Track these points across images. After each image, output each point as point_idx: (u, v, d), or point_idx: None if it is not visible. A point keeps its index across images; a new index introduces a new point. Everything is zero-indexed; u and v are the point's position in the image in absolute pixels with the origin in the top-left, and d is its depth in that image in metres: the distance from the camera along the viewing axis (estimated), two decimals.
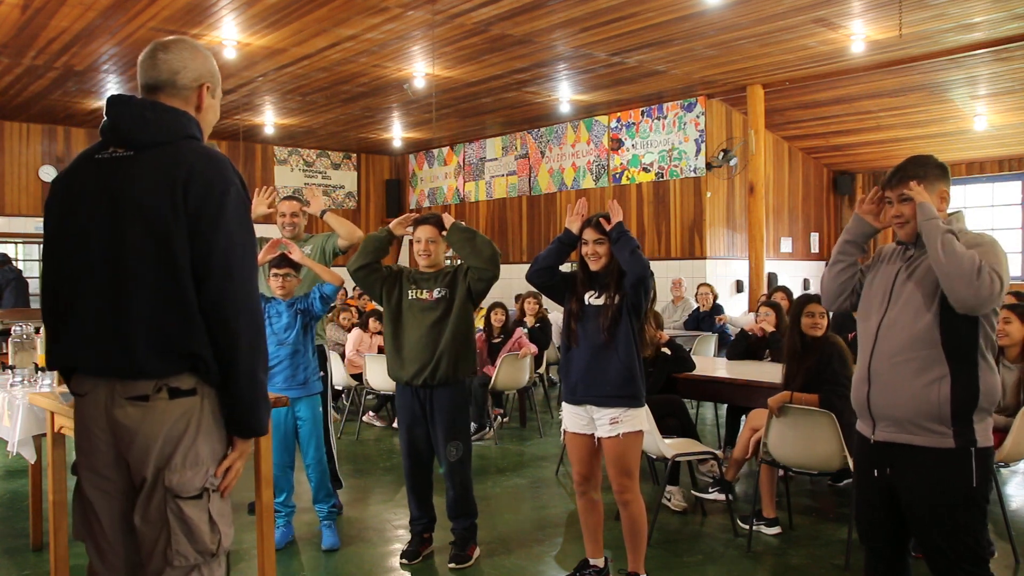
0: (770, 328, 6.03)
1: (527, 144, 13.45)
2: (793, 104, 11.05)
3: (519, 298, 9.25)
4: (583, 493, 3.71)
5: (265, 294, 4.42)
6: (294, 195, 5.37)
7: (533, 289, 5.26)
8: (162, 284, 1.98)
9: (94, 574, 2.14)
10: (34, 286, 12.31)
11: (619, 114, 12.01)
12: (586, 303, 3.61)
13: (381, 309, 4.27)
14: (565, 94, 10.88)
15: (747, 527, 4.41)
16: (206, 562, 2.05)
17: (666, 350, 5.27)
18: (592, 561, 3.78)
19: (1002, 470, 5.71)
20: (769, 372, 5.36)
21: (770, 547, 4.38)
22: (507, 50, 8.76)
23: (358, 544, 4.43)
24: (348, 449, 6.70)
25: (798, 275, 12.42)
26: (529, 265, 3.77)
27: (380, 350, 7.61)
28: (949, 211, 2.66)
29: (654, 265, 3.68)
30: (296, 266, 4.33)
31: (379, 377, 7.01)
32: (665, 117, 11.47)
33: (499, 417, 7.61)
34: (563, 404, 3.72)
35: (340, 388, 7.54)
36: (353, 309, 9.35)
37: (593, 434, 3.60)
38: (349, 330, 8.35)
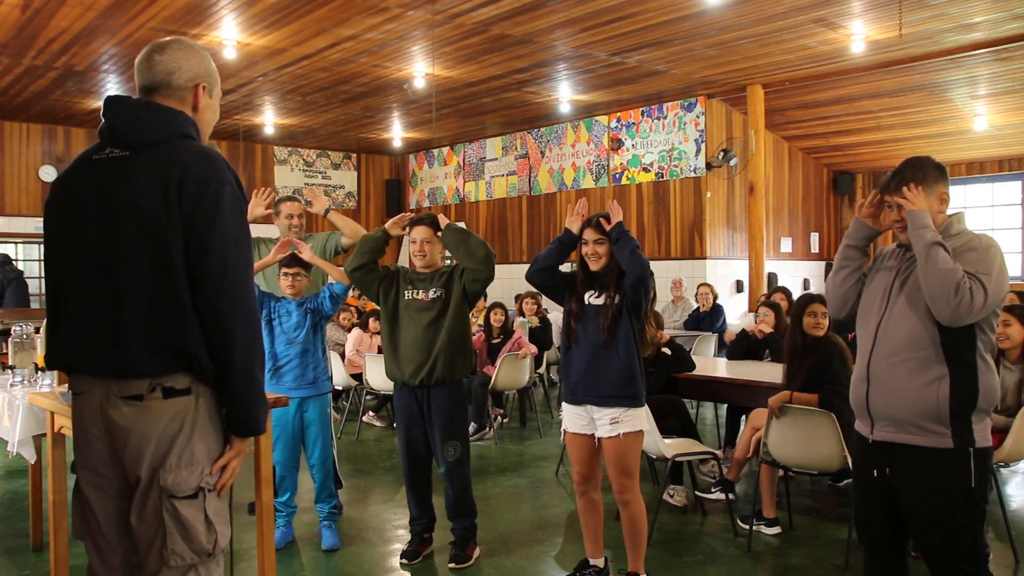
0: (768, 329, 6.03)
1: (527, 144, 13.45)
2: (793, 104, 11.05)
3: (519, 298, 9.26)
4: (583, 493, 3.71)
5: (275, 293, 4.43)
6: (295, 195, 5.37)
7: (532, 289, 5.27)
8: (157, 284, 1.98)
9: (94, 573, 2.15)
10: (35, 286, 12.34)
11: (619, 114, 12.01)
12: (586, 303, 3.61)
13: None
14: (565, 94, 10.88)
15: (747, 527, 4.41)
16: (203, 562, 2.05)
17: (666, 350, 5.27)
18: (592, 561, 3.78)
19: (1002, 470, 5.71)
20: (769, 372, 5.36)
21: (770, 547, 4.38)
22: (507, 50, 8.76)
23: (358, 544, 4.43)
24: (348, 449, 6.70)
25: (798, 275, 12.42)
26: (529, 265, 3.77)
27: (380, 350, 7.60)
28: (949, 212, 2.66)
29: (654, 265, 3.68)
30: (306, 266, 4.34)
31: (379, 377, 7.01)
32: (665, 117, 11.47)
33: (499, 417, 7.61)
34: (563, 404, 3.72)
35: (340, 388, 7.54)
36: (353, 309, 9.35)
37: (593, 434, 3.60)
38: (349, 330, 8.35)
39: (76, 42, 8.22)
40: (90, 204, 2.04)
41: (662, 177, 11.52)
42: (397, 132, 13.50)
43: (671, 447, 4.51)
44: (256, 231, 4.77)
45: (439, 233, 4.04)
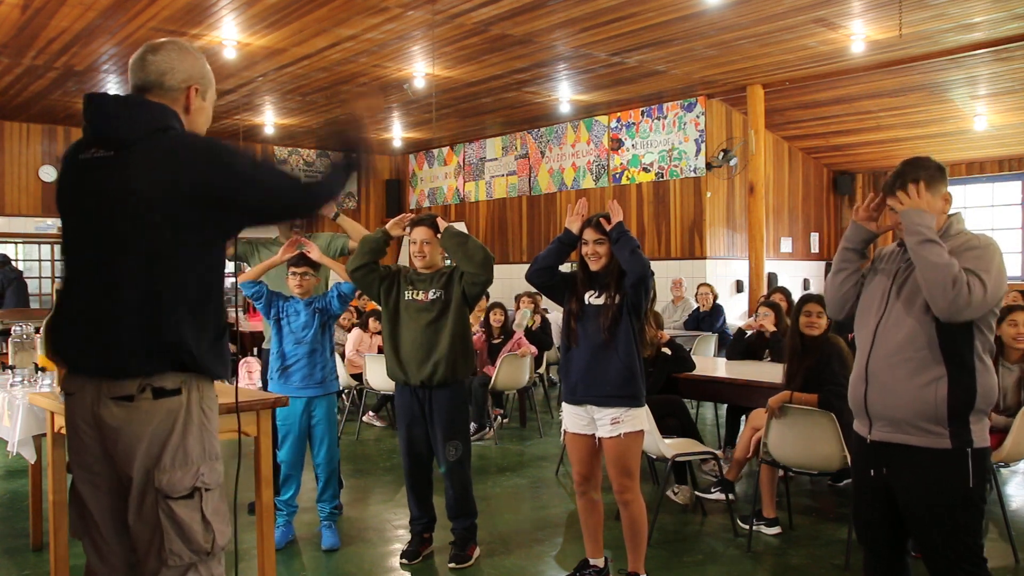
0: (771, 327, 6.03)
1: (527, 144, 13.45)
2: (793, 104, 11.05)
3: (518, 298, 9.26)
4: (583, 493, 3.71)
5: (284, 292, 4.43)
6: None
7: (531, 289, 5.25)
8: (149, 280, 1.99)
9: (92, 572, 2.15)
10: (34, 286, 12.34)
11: (619, 114, 12.01)
12: (586, 303, 3.61)
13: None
14: (565, 94, 10.88)
15: (747, 527, 4.41)
16: (203, 560, 2.05)
17: (666, 350, 5.27)
18: (592, 561, 3.78)
19: (1002, 470, 5.71)
20: (769, 372, 5.36)
21: (770, 547, 4.38)
22: (507, 50, 8.75)
23: (358, 544, 4.43)
24: (348, 449, 6.70)
25: (798, 275, 12.42)
26: (529, 265, 3.77)
27: (380, 350, 7.60)
28: (949, 213, 2.65)
29: (654, 265, 3.68)
30: (314, 265, 4.35)
31: (379, 377, 7.01)
32: (665, 117, 11.47)
33: (499, 417, 7.61)
34: (563, 404, 3.72)
35: (340, 388, 7.53)
36: (353, 309, 9.35)
37: (593, 434, 3.60)
38: (349, 330, 8.35)
39: (76, 42, 8.22)
40: (86, 205, 2.04)
41: (662, 177, 11.52)
42: (397, 132, 13.50)
43: (671, 447, 4.51)
44: (256, 231, 4.80)
45: (439, 235, 4.04)
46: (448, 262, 4.24)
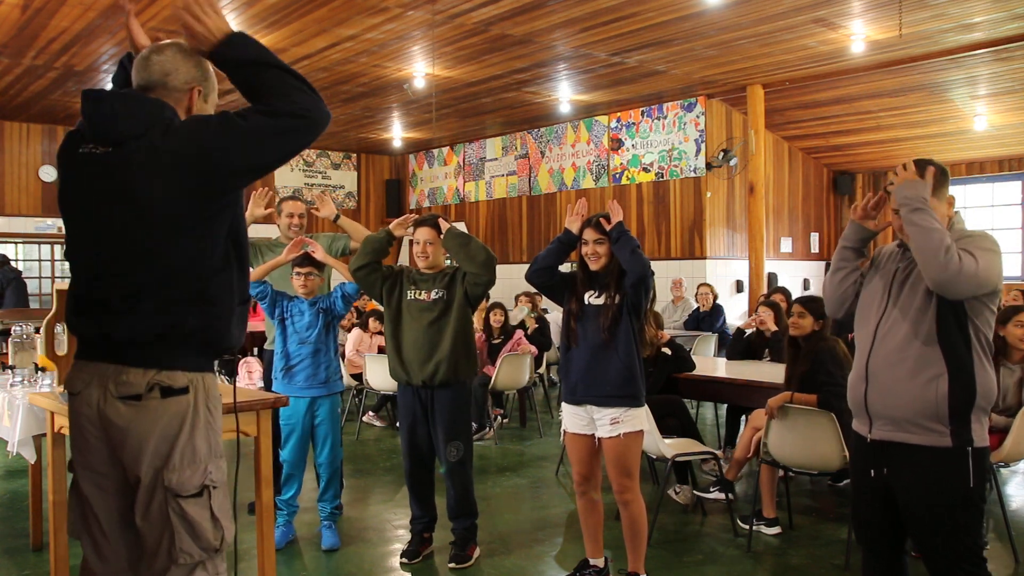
0: (772, 326, 6.03)
1: (527, 144, 13.45)
2: (793, 104, 11.05)
3: (518, 298, 9.27)
4: (583, 493, 3.71)
5: (288, 292, 4.44)
6: (296, 195, 5.38)
7: (530, 289, 5.27)
8: (171, 273, 2.01)
9: (90, 571, 2.14)
10: (34, 286, 12.34)
11: (619, 114, 12.01)
12: (586, 303, 3.61)
13: (381, 309, 4.28)
14: (565, 94, 10.88)
15: (747, 527, 4.41)
16: (210, 557, 2.06)
17: (666, 350, 5.27)
18: (592, 561, 3.78)
19: (1002, 470, 5.71)
20: (769, 372, 5.36)
21: (770, 547, 4.38)
22: (507, 50, 8.76)
23: (358, 544, 4.43)
24: (348, 449, 6.69)
25: (798, 275, 12.42)
26: (529, 265, 3.77)
27: (380, 350, 7.61)
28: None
29: (654, 265, 3.68)
30: (319, 265, 4.35)
31: (379, 377, 7.01)
32: (665, 117, 11.47)
33: (499, 417, 7.61)
34: (563, 404, 3.72)
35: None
36: (353, 309, 9.35)
37: (593, 434, 3.60)
38: (349, 330, 8.35)
39: (76, 42, 8.22)
40: (91, 202, 2.05)
41: (662, 177, 11.52)
42: (397, 132, 13.50)
43: (671, 447, 4.51)
44: (256, 232, 4.81)
45: (441, 235, 4.04)
46: (449, 262, 4.24)
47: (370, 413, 7.85)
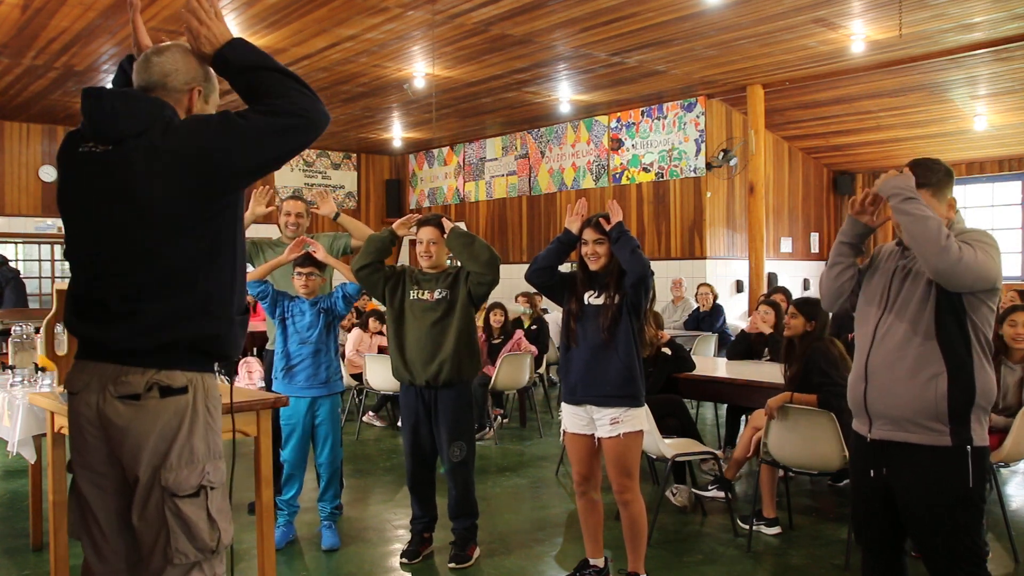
0: (768, 329, 6.03)
1: (527, 144, 13.45)
2: (793, 104, 11.05)
3: (517, 299, 9.27)
4: (583, 493, 3.71)
5: (289, 292, 4.44)
6: (297, 195, 5.38)
7: (528, 289, 5.26)
8: (172, 275, 2.01)
9: (90, 571, 2.15)
10: (34, 286, 12.33)
11: (619, 114, 12.01)
12: (586, 303, 3.61)
13: (381, 309, 4.29)
14: (565, 94, 10.88)
15: (747, 527, 4.41)
16: (207, 559, 2.06)
17: (666, 350, 5.27)
18: (592, 561, 3.78)
19: (1002, 470, 5.71)
20: (769, 372, 5.36)
21: (770, 547, 4.38)
22: (507, 50, 8.76)
23: (358, 544, 4.43)
24: (348, 449, 6.69)
25: (798, 275, 12.42)
26: (528, 265, 3.77)
27: (380, 350, 7.61)
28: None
29: (654, 265, 3.68)
30: (320, 265, 4.35)
31: (379, 377, 7.01)
32: (665, 117, 11.47)
33: (499, 417, 7.61)
34: (563, 404, 3.72)
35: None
36: (353, 309, 9.34)
37: (593, 434, 3.60)
38: (349, 330, 8.35)
39: (76, 42, 8.22)
40: (91, 201, 2.05)
41: (662, 177, 11.52)
42: (397, 132, 13.50)
43: (671, 447, 4.51)
44: (257, 232, 4.81)
45: (445, 235, 4.04)
46: (449, 262, 4.24)
47: (370, 413, 7.85)
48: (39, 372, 4.24)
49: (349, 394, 7.96)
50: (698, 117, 11.07)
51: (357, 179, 15.56)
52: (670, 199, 11.46)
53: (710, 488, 5.12)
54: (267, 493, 3.39)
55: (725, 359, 6.54)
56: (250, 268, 4.64)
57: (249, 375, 6.38)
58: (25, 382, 4.15)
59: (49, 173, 12.36)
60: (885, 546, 2.73)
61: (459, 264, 4.09)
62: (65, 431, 3.33)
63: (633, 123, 11.86)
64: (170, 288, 2.02)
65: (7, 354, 4.76)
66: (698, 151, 11.08)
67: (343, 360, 7.57)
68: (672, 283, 10.52)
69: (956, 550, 2.52)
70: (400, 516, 4.86)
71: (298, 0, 7.17)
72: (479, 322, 7.63)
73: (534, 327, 8.15)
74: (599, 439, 3.58)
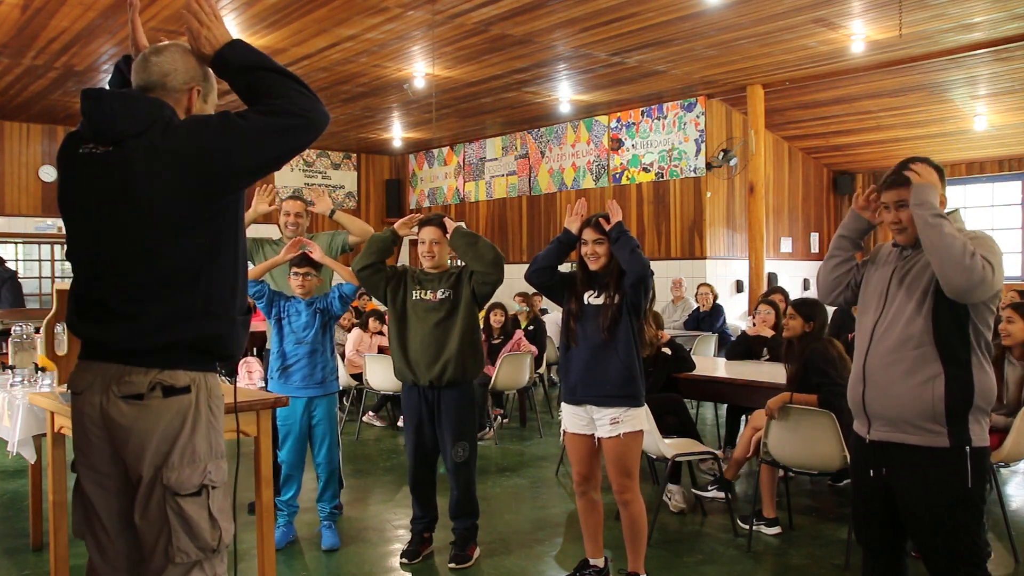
0: (768, 332, 6.04)
1: (527, 144, 13.45)
2: (793, 104, 11.05)
3: (515, 298, 9.28)
4: (583, 493, 3.71)
5: (285, 292, 4.44)
6: (296, 194, 5.38)
7: (525, 290, 5.26)
8: (174, 276, 2.02)
9: (94, 571, 2.15)
10: (34, 286, 12.34)
11: (619, 114, 12.01)
12: (585, 303, 3.61)
13: (381, 309, 4.29)
14: (565, 94, 10.88)
15: (747, 527, 4.41)
16: (208, 558, 2.06)
17: (666, 350, 5.27)
18: (592, 561, 3.78)
19: (1002, 470, 5.71)
20: (769, 372, 5.36)
21: (770, 547, 4.38)
22: (507, 50, 8.76)
23: (358, 544, 4.43)
24: (348, 449, 6.70)
25: (798, 275, 12.42)
26: (528, 265, 3.77)
27: (380, 350, 7.61)
28: (946, 211, 2.66)
29: (654, 265, 3.68)
30: (316, 265, 4.35)
31: (379, 377, 7.01)
32: (665, 117, 11.47)
33: (499, 417, 7.61)
34: (562, 404, 3.72)
35: (341, 388, 7.53)
36: (353, 309, 9.34)
37: (593, 434, 3.60)
38: (349, 330, 8.35)
39: (76, 42, 8.22)
40: (92, 202, 2.05)
41: (662, 177, 11.52)
42: (397, 132, 13.50)
43: (671, 447, 4.51)
44: (257, 231, 4.81)
45: (447, 235, 4.03)
46: (451, 262, 4.24)
47: (370, 413, 7.85)
48: (39, 372, 4.24)
49: (349, 394, 7.96)
50: (698, 117, 11.07)
51: (357, 179, 15.56)
52: (670, 199, 11.46)
53: (710, 488, 5.12)
54: (267, 493, 3.39)
55: (725, 359, 6.54)
56: (250, 266, 4.64)
57: (249, 375, 6.37)
58: (25, 382, 4.15)
59: (49, 173, 12.36)
60: (885, 546, 2.73)
61: (461, 264, 4.09)
62: (65, 431, 3.33)
63: (633, 123, 11.86)
64: (171, 288, 2.02)
65: (7, 354, 4.77)
66: (698, 151, 11.08)
67: (343, 360, 7.58)
68: (672, 283, 10.52)
69: (956, 550, 2.52)
70: (400, 516, 4.86)
71: (298, 0, 7.17)
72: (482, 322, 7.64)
73: (531, 327, 8.15)
74: (599, 439, 3.58)
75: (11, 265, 11.02)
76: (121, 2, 7.08)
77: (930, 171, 2.56)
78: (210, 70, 2.16)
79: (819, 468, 4.34)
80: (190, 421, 2.04)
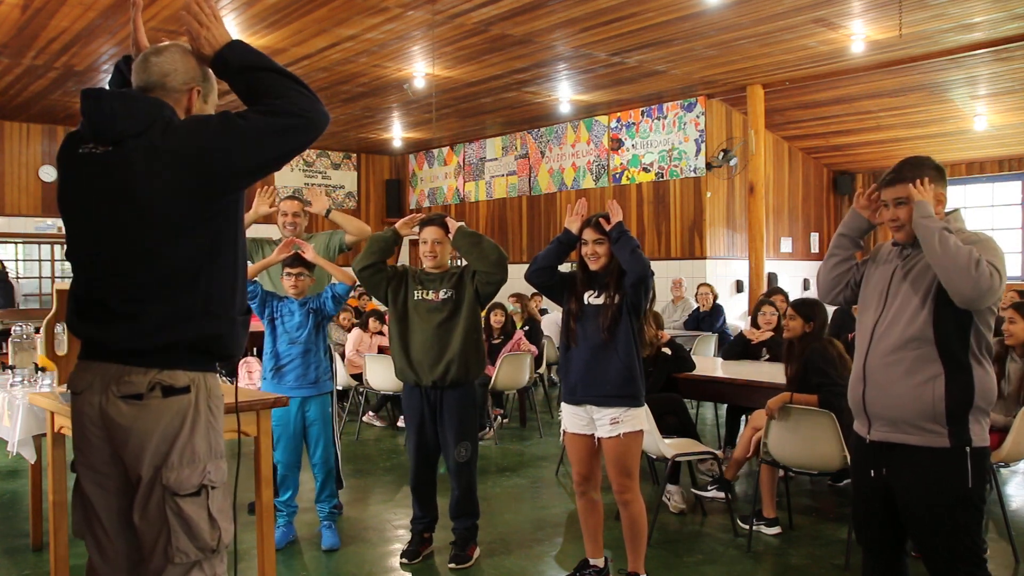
0: (768, 334, 6.04)
1: (527, 144, 13.45)
2: (793, 104, 11.05)
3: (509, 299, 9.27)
4: (583, 493, 3.71)
5: (278, 293, 4.44)
6: (295, 195, 5.38)
7: (520, 290, 5.24)
8: (174, 276, 2.02)
9: (94, 571, 2.15)
10: (33, 286, 12.34)
11: (619, 114, 12.01)
12: (586, 303, 3.61)
13: (381, 309, 4.29)
14: (565, 94, 10.88)
15: (747, 527, 4.41)
16: (207, 558, 2.06)
17: (666, 350, 5.27)
18: (592, 561, 3.78)
19: (1002, 470, 5.71)
20: (768, 372, 5.36)
21: (770, 547, 4.38)
22: (507, 50, 8.76)
23: (358, 544, 4.43)
24: (348, 449, 6.70)
25: (798, 275, 12.42)
26: (528, 265, 3.77)
27: (380, 350, 7.61)
28: (946, 211, 2.66)
29: (654, 265, 3.68)
30: (309, 266, 4.35)
31: (379, 377, 7.01)
32: (665, 117, 11.47)
33: (499, 417, 7.61)
34: (562, 404, 3.72)
35: (340, 388, 7.54)
36: (352, 309, 9.35)
37: (593, 434, 3.60)
38: (349, 330, 8.35)
39: (76, 42, 8.22)
40: (92, 202, 2.05)
41: (662, 177, 11.52)
42: (397, 132, 13.50)
43: (671, 447, 4.51)
44: (258, 231, 4.81)
45: (449, 234, 4.03)
46: (452, 262, 4.24)
47: (370, 413, 7.85)
48: (39, 372, 4.24)
49: (349, 394, 7.96)
50: (698, 117, 11.08)
51: (357, 179, 15.56)
52: (670, 199, 11.46)
53: (710, 488, 5.12)
54: (267, 493, 3.39)
55: (721, 359, 6.54)
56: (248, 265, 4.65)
57: (249, 375, 6.37)
58: (25, 382, 4.15)
59: (49, 173, 12.36)
60: (885, 546, 2.73)
61: (462, 263, 4.09)
62: (65, 431, 3.33)
63: (633, 123, 11.86)
64: (171, 288, 2.02)
65: (7, 354, 4.77)
66: (698, 151, 11.08)
67: (343, 360, 7.58)
68: (672, 283, 10.52)
69: (956, 550, 2.52)
70: (400, 516, 4.86)
71: (298, 0, 7.17)
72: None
73: (526, 328, 8.15)
74: (599, 439, 3.58)
75: (11, 265, 11.03)
76: (121, 2, 7.08)
77: (926, 189, 2.57)
78: (210, 70, 2.16)
79: (819, 468, 4.34)
80: (189, 421, 2.04)
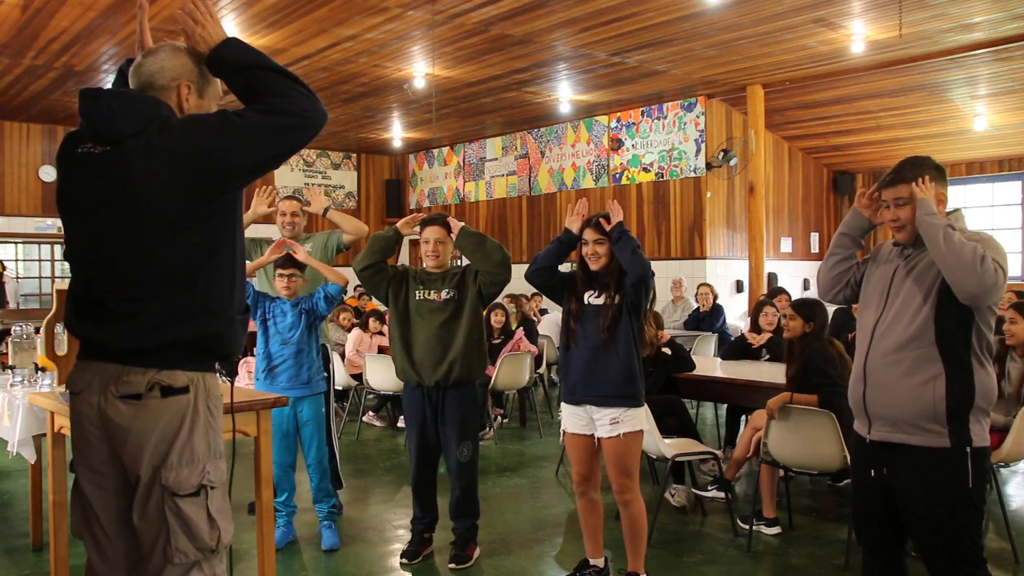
0: (768, 336, 6.04)
1: (527, 144, 13.45)
2: (793, 104, 11.05)
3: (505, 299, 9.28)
4: (583, 493, 3.71)
5: (270, 293, 4.44)
6: (294, 195, 5.38)
7: (519, 291, 5.25)
8: (172, 275, 2.02)
9: (93, 571, 2.15)
10: (33, 286, 12.34)
11: (619, 114, 12.01)
12: (586, 303, 3.61)
13: (381, 309, 4.28)
14: (565, 94, 10.88)
15: (747, 527, 4.41)
16: (206, 558, 2.06)
17: (666, 350, 5.27)
18: (592, 561, 3.78)
19: (1002, 470, 5.71)
20: (768, 372, 5.36)
21: (770, 547, 4.38)
22: (507, 50, 8.76)
23: (358, 544, 4.43)
24: (348, 449, 6.70)
25: (798, 275, 12.42)
26: (528, 265, 3.77)
27: (380, 350, 7.61)
28: (947, 211, 2.66)
29: (654, 265, 3.68)
30: (301, 266, 4.34)
31: (379, 377, 7.01)
32: (665, 117, 11.47)
33: (499, 417, 7.61)
34: (562, 404, 3.72)
35: (340, 388, 7.54)
36: (352, 309, 9.34)
37: (593, 434, 3.59)
38: (349, 330, 8.35)
39: (76, 42, 8.22)
40: (91, 201, 2.05)
41: (662, 177, 11.52)
42: (397, 132, 13.50)
43: (671, 447, 4.51)
44: (257, 231, 4.81)
45: (451, 234, 4.03)
46: (452, 261, 4.23)
47: (370, 413, 7.85)
48: (39, 372, 4.24)
49: (349, 394, 7.96)
50: (698, 117, 11.07)
51: (357, 179, 15.56)
52: (670, 199, 11.46)
53: (710, 488, 5.12)
54: (267, 493, 3.39)
55: (720, 359, 6.54)
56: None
57: (250, 375, 6.37)
58: (25, 382, 4.15)
59: (49, 173, 12.36)
60: (885, 546, 2.73)
61: (463, 263, 4.08)
62: (65, 431, 3.33)
63: (633, 123, 11.86)
64: (169, 287, 2.02)
65: (7, 354, 4.77)
66: (698, 151, 11.08)
67: (343, 360, 7.58)
68: (672, 283, 10.52)
69: (956, 550, 2.52)
70: (400, 516, 4.86)
71: (298, 0, 7.17)
72: None
73: (521, 328, 8.15)
74: (599, 439, 3.58)
75: (11, 265, 11.03)
76: (121, 2, 7.08)
77: (928, 188, 2.57)
78: (206, 67, 2.16)
79: (819, 468, 4.34)
80: (188, 421, 2.04)
